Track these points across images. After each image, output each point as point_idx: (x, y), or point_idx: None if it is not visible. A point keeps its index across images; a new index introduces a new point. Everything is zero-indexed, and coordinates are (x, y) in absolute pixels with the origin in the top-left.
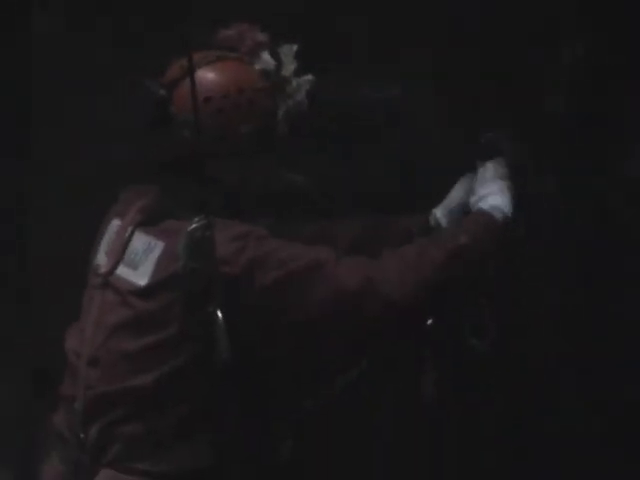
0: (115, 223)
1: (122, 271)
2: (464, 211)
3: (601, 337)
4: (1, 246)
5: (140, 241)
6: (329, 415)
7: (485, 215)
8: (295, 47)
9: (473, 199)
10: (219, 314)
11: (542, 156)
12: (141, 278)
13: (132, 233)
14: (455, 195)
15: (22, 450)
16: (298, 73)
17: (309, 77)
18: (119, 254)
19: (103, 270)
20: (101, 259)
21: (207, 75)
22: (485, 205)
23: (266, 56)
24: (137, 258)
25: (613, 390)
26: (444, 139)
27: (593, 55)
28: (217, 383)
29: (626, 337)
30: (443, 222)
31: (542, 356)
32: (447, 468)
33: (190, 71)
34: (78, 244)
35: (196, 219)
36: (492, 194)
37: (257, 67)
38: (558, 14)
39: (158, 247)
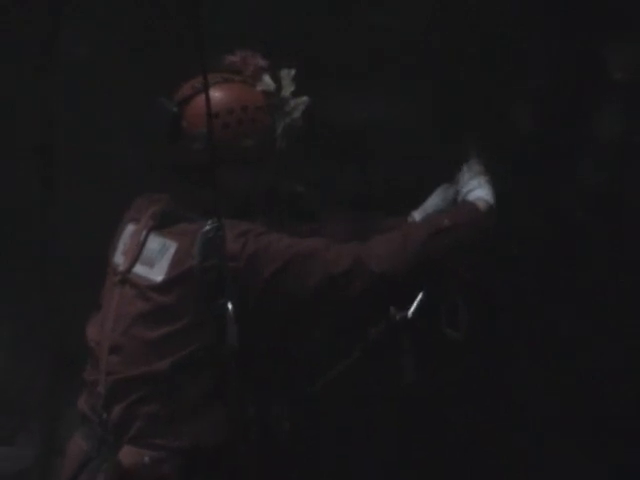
0: (130, 227)
1: (139, 269)
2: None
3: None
4: (27, 244)
5: (155, 242)
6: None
7: (468, 204)
8: (293, 71)
9: (459, 198)
10: (229, 305)
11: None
12: (157, 275)
13: (147, 236)
14: (432, 201)
15: (47, 430)
16: (295, 94)
17: (305, 98)
18: (135, 254)
19: (121, 268)
20: (119, 259)
21: (215, 94)
22: (469, 198)
23: (267, 79)
24: (153, 257)
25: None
26: (426, 152)
27: (558, 75)
28: (227, 367)
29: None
30: None
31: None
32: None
33: (205, 91)
34: (97, 245)
35: (209, 221)
36: (474, 189)
37: (259, 88)
38: (526, 38)
39: (172, 247)
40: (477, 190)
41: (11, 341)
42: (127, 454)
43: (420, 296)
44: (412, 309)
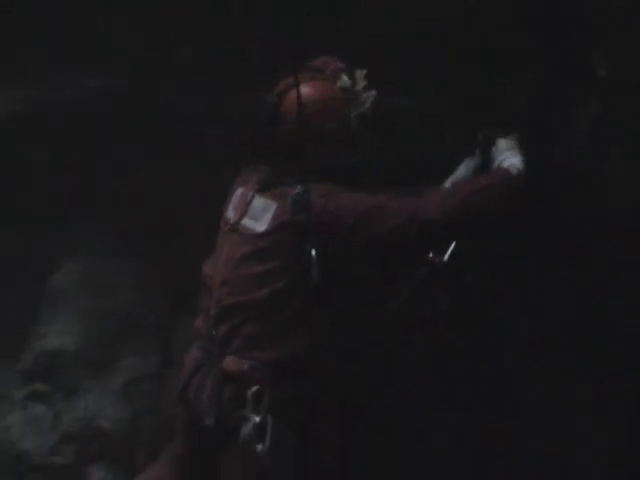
0: (239, 190)
1: (246, 222)
2: None
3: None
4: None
5: (259, 202)
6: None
7: (503, 169)
8: (365, 71)
9: (494, 166)
10: (312, 250)
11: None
12: (260, 226)
13: (253, 197)
14: (461, 171)
15: (168, 342)
16: (366, 89)
17: (373, 92)
18: (244, 210)
19: (232, 221)
20: (230, 214)
21: (304, 89)
22: (504, 165)
23: (344, 77)
24: (257, 213)
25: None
26: (451, 134)
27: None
28: (311, 297)
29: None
30: None
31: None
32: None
33: (297, 87)
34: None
35: (299, 186)
36: (507, 158)
37: (338, 84)
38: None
39: (273, 206)
40: (510, 159)
41: (142, 278)
42: (230, 363)
43: (453, 244)
44: (447, 255)
